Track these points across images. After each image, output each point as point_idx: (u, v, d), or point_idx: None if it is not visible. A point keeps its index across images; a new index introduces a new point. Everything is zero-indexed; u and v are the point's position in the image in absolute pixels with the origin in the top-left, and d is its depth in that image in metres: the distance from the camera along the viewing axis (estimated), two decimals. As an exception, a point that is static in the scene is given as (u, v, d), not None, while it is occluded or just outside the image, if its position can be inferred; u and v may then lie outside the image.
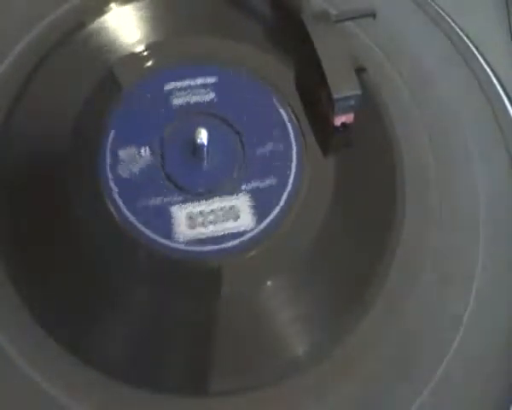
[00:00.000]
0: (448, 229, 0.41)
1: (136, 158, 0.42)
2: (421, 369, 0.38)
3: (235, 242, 0.40)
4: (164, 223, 0.40)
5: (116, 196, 0.40)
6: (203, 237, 0.40)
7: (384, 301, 0.39)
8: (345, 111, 0.42)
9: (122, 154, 0.42)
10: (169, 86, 0.44)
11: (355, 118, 0.42)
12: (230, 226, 0.40)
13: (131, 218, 0.40)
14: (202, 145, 0.41)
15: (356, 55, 0.44)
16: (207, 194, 0.41)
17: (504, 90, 0.46)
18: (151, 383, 0.37)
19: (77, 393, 0.37)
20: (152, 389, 0.37)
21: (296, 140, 0.43)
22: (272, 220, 0.40)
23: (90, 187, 0.41)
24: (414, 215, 0.42)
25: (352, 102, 0.42)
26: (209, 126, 0.42)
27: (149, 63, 0.44)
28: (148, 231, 0.40)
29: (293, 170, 0.42)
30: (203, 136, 0.41)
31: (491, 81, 0.46)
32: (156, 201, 0.41)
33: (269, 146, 0.42)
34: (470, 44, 0.47)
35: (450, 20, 0.48)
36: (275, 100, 0.44)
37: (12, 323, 0.38)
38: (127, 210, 0.40)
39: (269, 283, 0.39)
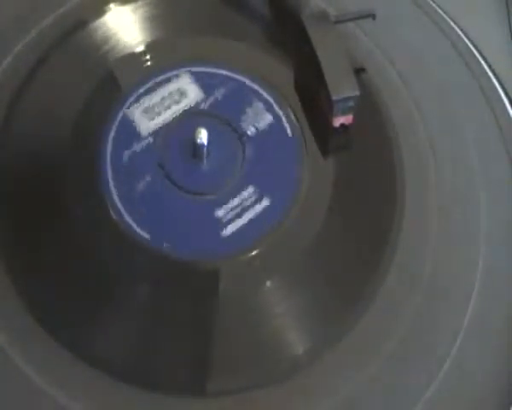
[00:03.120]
0: (448, 228, 0.42)
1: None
2: (421, 369, 0.38)
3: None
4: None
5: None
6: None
7: (383, 301, 0.39)
8: (344, 112, 0.42)
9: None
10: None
11: (355, 118, 0.42)
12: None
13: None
14: (202, 145, 0.41)
15: (355, 55, 0.45)
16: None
17: (504, 90, 0.46)
18: (151, 383, 0.37)
19: (77, 393, 0.37)
20: (152, 389, 0.37)
21: (296, 140, 0.43)
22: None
23: (89, 187, 0.41)
24: (414, 215, 0.42)
25: (351, 104, 0.42)
26: (209, 126, 0.42)
27: (149, 63, 0.44)
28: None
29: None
30: (203, 136, 0.41)
31: (491, 81, 0.46)
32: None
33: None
34: (470, 44, 0.47)
35: (450, 20, 0.48)
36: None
37: (12, 323, 0.38)
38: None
39: (268, 283, 0.39)
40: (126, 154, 0.42)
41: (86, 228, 0.40)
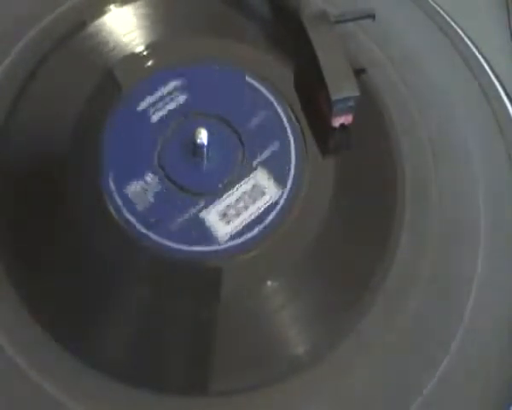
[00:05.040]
0: (448, 229, 0.41)
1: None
2: (421, 369, 0.38)
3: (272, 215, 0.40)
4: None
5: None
6: (242, 225, 0.40)
7: (384, 302, 0.39)
8: (343, 112, 0.42)
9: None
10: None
11: (355, 118, 0.42)
12: (262, 203, 0.40)
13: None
14: (202, 145, 0.41)
15: (355, 55, 0.44)
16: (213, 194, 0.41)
17: (504, 90, 0.46)
18: (151, 383, 0.37)
19: (77, 393, 0.37)
20: (152, 389, 0.37)
21: (296, 140, 0.43)
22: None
23: (89, 187, 0.41)
24: (414, 215, 0.42)
25: (351, 104, 0.42)
26: (209, 126, 0.42)
27: (149, 63, 0.44)
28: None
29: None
30: (203, 136, 0.41)
31: (491, 81, 0.46)
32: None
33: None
34: (470, 44, 0.47)
35: (450, 20, 0.48)
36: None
37: (12, 323, 0.38)
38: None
39: (269, 283, 0.39)
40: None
41: (86, 228, 0.40)
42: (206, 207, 0.41)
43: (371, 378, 0.38)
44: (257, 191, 0.41)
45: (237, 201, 0.41)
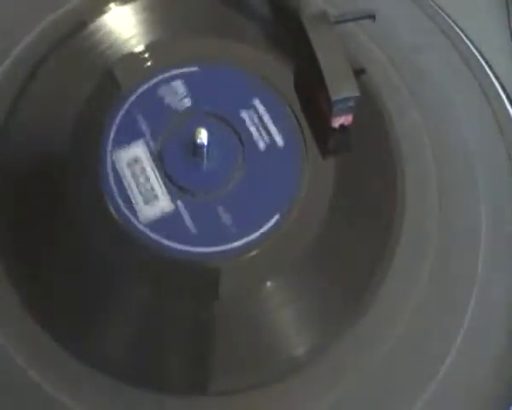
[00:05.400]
0: (448, 229, 0.41)
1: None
2: (421, 369, 0.38)
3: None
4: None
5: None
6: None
7: (384, 302, 0.39)
8: (343, 112, 0.42)
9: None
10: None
11: (355, 118, 0.42)
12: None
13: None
14: (202, 145, 0.41)
15: (355, 55, 0.44)
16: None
17: (504, 90, 0.46)
18: (151, 383, 0.37)
19: (77, 393, 0.37)
20: (152, 389, 0.37)
21: (296, 140, 0.43)
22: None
23: (89, 187, 0.41)
24: (414, 215, 0.42)
25: (351, 104, 0.42)
26: (209, 126, 0.42)
27: (149, 63, 0.44)
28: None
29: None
30: (203, 136, 0.41)
31: (491, 81, 0.46)
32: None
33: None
34: (470, 44, 0.47)
35: (450, 20, 0.48)
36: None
37: (12, 323, 0.38)
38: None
39: (269, 283, 0.39)
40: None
41: (86, 228, 0.40)
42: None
43: (371, 378, 0.38)
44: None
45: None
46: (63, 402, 0.36)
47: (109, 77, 0.44)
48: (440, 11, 0.49)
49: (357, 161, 0.43)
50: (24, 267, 0.39)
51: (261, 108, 0.43)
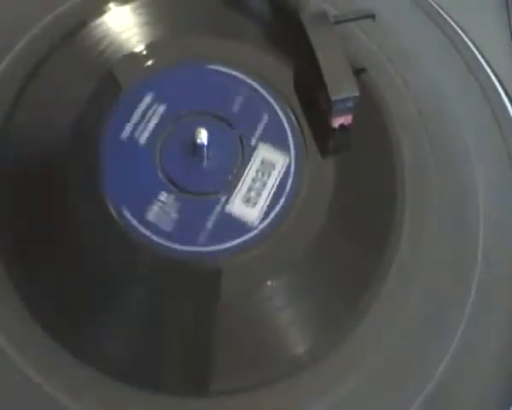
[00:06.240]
0: (448, 229, 0.42)
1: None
2: (421, 369, 0.38)
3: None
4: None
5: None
6: (268, 204, 0.41)
7: (384, 301, 0.39)
8: (343, 112, 0.42)
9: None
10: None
11: (355, 118, 0.42)
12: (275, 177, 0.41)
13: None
14: (202, 145, 0.41)
15: (356, 55, 0.44)
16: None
17: (504, 90, 0.46)
18: (151, 383, 0.37)
19: (77, 393, 0.37)
20: (152, 389, 0.37)
21: (296, 140, 0.43)
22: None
23: (90, 187, 0.41)
24: (414, 215, 0.42)
25: (350, 104, 0.42)
26: (209, 126, 0.42)
27: (149, 63, 0.44)
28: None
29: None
30: (203, 136, 0.41)
31: (491, 81, 0.46)
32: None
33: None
34: (470, 44, 0.47)
35: (450, 20, 0.48)
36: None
37: (12, 323, 0.38)
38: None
39: (269, 283, 0.39)
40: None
41: (86, 228, 0.40)
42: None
43: (371, 378, 0.38)
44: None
45: (240, 202, 0.41)
46: (63, 402, 0.36)
47: (109, 77, 0.44)
48: (440, 11, 0.49)
49: (357, 160, 0.43)
50: (24, 267, 0.39)
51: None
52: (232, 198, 0.41)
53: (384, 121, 0.44)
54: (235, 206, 0.41)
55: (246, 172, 0.42)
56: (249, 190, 0.41)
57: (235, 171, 0.42)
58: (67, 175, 0.41)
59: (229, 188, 0.41)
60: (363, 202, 0.42)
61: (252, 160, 0.42)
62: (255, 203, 0.41)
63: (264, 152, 0.42)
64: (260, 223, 0.40)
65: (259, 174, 0.42)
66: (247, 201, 0.41)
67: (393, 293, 0.40)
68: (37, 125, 0.43)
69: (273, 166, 0.42)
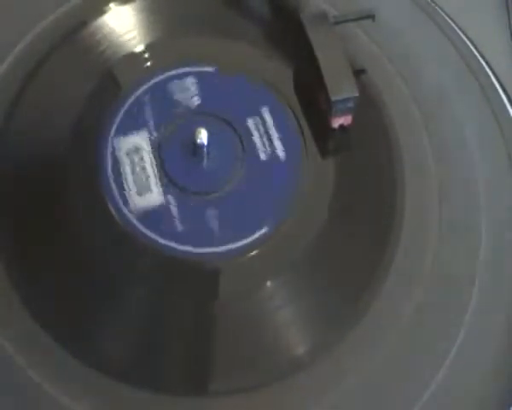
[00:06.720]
0: (448, 229, 0.42)
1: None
2: (421, 369, 0.38)
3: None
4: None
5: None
6: None
7: (384, 302, 0.39)
8: (343, 113, 0.42)
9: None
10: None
11: (355, 118, 0.42)
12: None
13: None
14: (202, 145, 0.41)
15: (356, 55, 0.44)
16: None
17: (504, 90, 0.46)
18: (151, 383, 0.37)
19: (78, 393, 0.37)
20: (152, 389, 0.37)
21: (296, 141, 0.43)
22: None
23: (90, 187, 0.41)
24: (413, 215, 0.42)
25: (350, 104, 0.42)
26: (209, 127, 0.42)
27: (149, 63, 0.44)
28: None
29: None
30: (203, 136, 0.41)
31: (491, 81, 0.46)
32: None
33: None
34: (470, 44, 0.47)
35: (450, 20, 0.48)
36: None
37: (12, 323, 0.38)
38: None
39: (268, 283, 0.39)
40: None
41: (86, 228, 0.40)
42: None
43: (371, 379, 0.38)
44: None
45: (240, 202, 0.41)
46: (63, 402, 0.36)
47: (109, 77, 0.44)
48: (440, 11, 0.49)
49: (357, 161, 0.43)
50: (24, 267, 0.39)
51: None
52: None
53: (384, 121, 0.44)
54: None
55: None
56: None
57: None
58: (67, 175, 0.41)
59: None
60: (363, 202, 0.42)
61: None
62: None
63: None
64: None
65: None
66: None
67: (393, 293, 0.40)
68: (37, 124, 0.43)
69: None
